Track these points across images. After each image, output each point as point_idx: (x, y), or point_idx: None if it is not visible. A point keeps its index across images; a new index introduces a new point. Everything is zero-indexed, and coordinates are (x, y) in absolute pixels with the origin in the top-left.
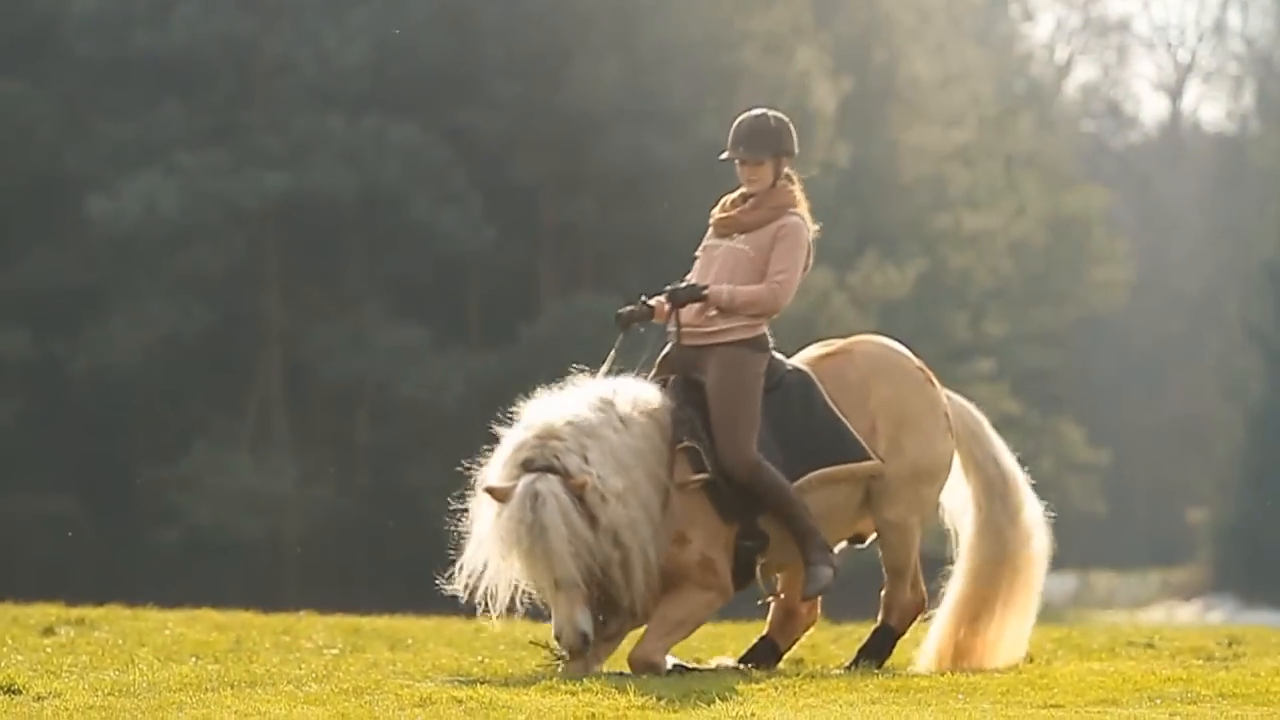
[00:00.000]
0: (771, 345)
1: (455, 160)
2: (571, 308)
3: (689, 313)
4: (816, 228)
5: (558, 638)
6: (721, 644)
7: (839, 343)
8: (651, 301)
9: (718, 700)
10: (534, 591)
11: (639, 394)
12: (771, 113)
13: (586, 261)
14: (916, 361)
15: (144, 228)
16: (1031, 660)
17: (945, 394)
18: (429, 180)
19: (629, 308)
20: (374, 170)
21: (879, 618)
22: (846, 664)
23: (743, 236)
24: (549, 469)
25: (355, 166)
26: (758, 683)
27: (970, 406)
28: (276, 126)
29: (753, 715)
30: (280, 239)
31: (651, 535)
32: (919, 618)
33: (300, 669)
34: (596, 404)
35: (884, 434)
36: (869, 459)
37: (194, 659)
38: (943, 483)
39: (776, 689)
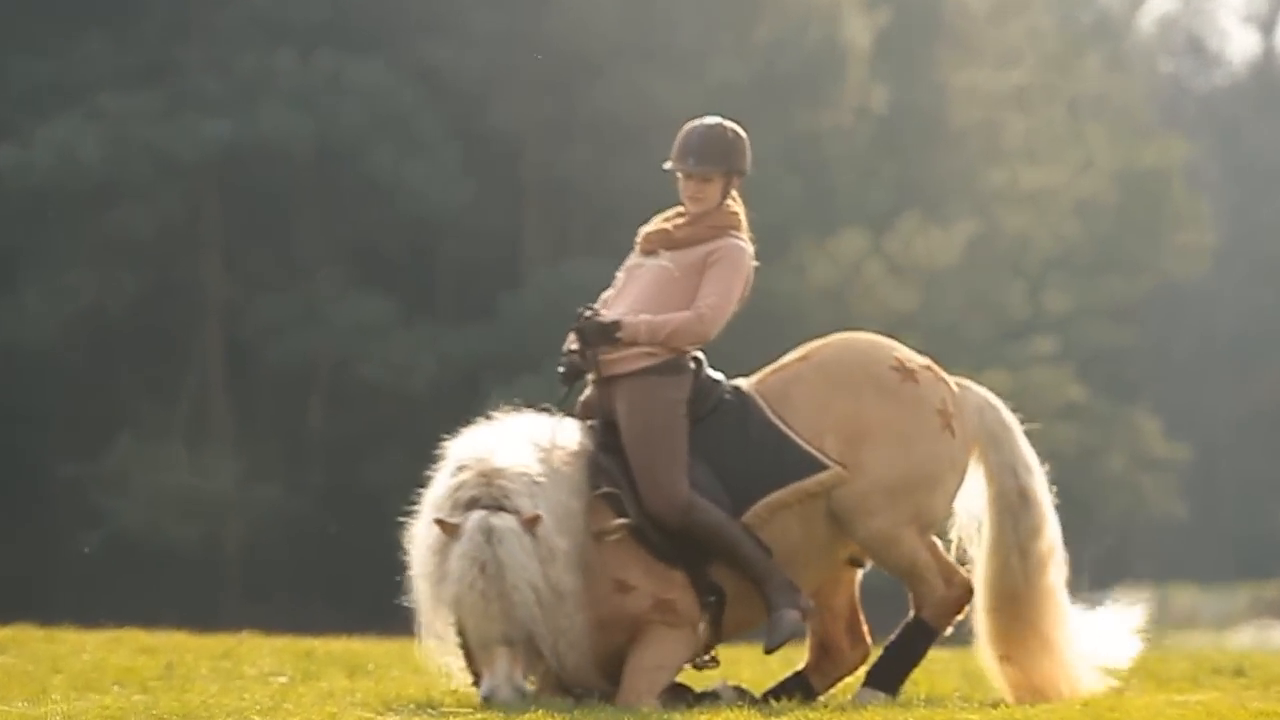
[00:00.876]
0: (696, 366)
1: (425, 104)
2: (560, 277)
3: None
4: (754, 261)
5: (486, 699)
6: (737, 670)
7: (802, 349)
8: (570, 346)
9: None
10: (470, 645)
11: (566, 438)
12: (728, 123)
13: (578, 223)
14: (895, 357)
15: (61, 182)
16: (1100, 690)
17: (961, 386)
18: (394, 128)
19: (566, 357)
20: (330, 116)
21: (910, 614)
22: (869, 667)
23: (670, 254)
24: (499, 508)
25: (309, 112)
26: (781, 715)
27: (995, 403)
28: (217, 65)
29: None
30: (221, 196)
31: (581, 601)
32: (962, 612)
33: (243, 699)
34: (533, 449)
35: (836, 449)
36: (818, 470)
37: (117, 688)
38: (946, 487)
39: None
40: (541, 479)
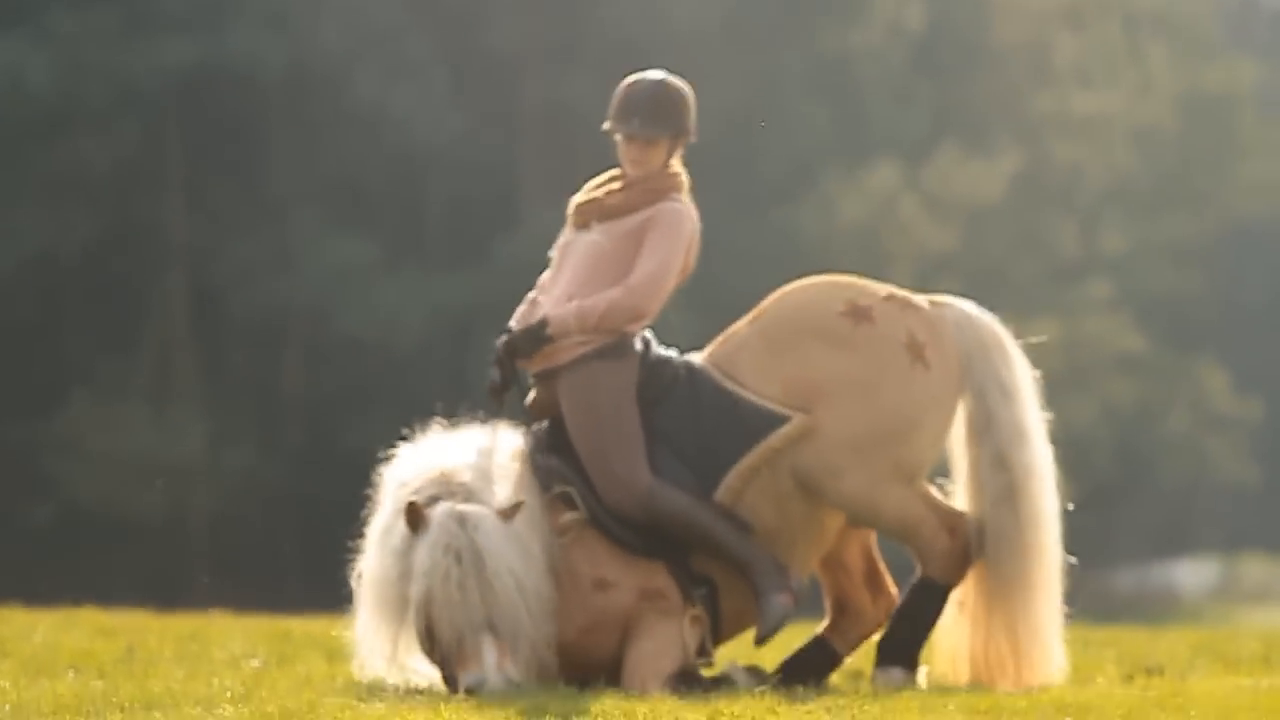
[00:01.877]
0: (644, 347)
1: (411, 24)
2: (561, 217)
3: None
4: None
5: (470, 691)
6: (749, 649)
7: (754, 310)
8: (497, 361)
9: None
10: (441, 647)
11: (505, 444)
12: (673, 79)
13: (582, 157)
14: (845, 300)
15: (6, 112)
16: (1161, 673)
17: (936, 305)
18: (377, 50)
19: (494, 374)
20: (305, 37)
21: (915, 573)
22: (880, 639)
23: (602, 226)
24: (468, 500)
25: (281, 31)
26: (803, 702)
27: (976, 317)
28: None
29: None
30: (184, 126)
31: (552, 609)
32: (971, 565)
33: (212, 686)
34: (479, 455)
35: (792, 406)
36: (781, 424)
37: (72, 673)
38: (928, 427)
39: (828, 711)
40: (496, 482)
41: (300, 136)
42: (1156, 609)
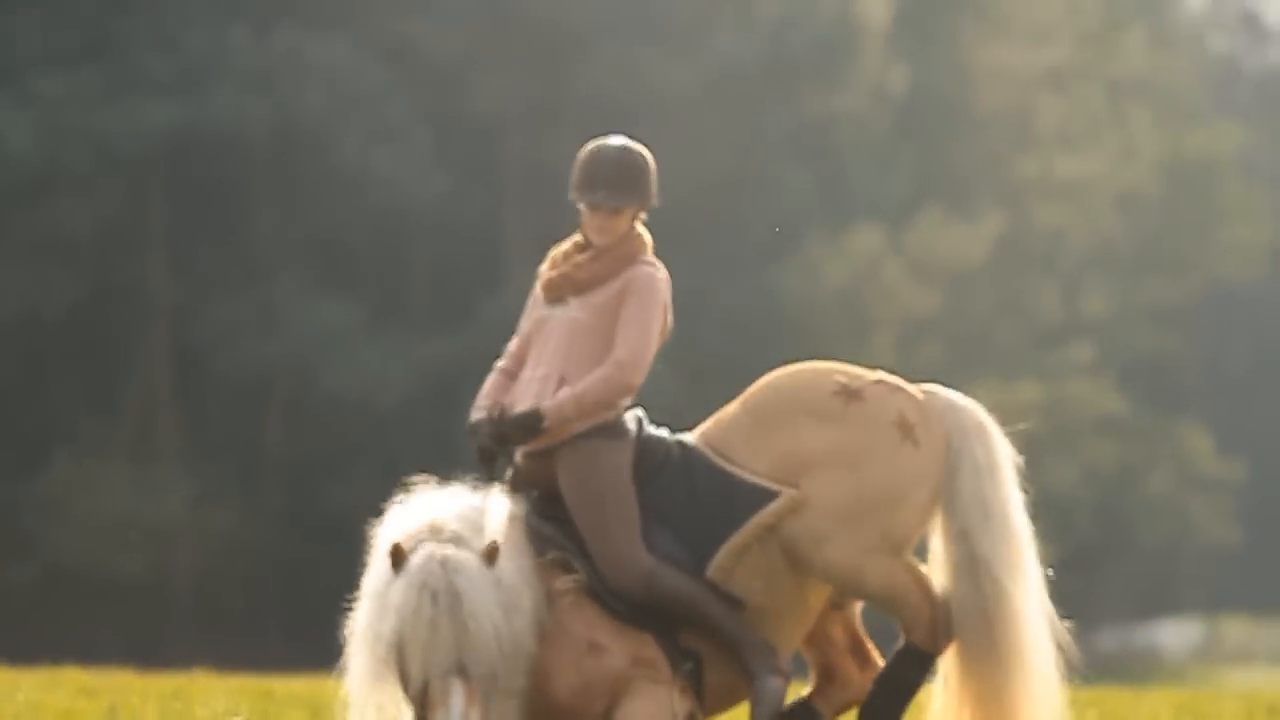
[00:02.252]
0: (637, 426)
1: (395, 86)
2: None
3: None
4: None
5: None
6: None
7: (744, 393)
8: (484, 441)
9: None
10: (412, 687)
11: (499, 506)
12: (634, 146)
13: (565, 216)
14: (836, 381)
15: None
16: None
17: (927, 392)
18: (361, 112)
19: (480, 444)
20: (290, 100)
21: (899, 641)
22: (862, 705)
23: (578, 300)
24: (454, 544)
25: (264, 94)
26: None
27: (964, 404)
28: (163, 43)
29: None
30: (167, 189)
31: (531, 667)
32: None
33: None
34: (471, 509)
35: (782, 482)
36: (770, 499)
37: None
38: (913, 501)
39: None
40: (486, 535)
41: (284, 198)
42: (1139, 669)
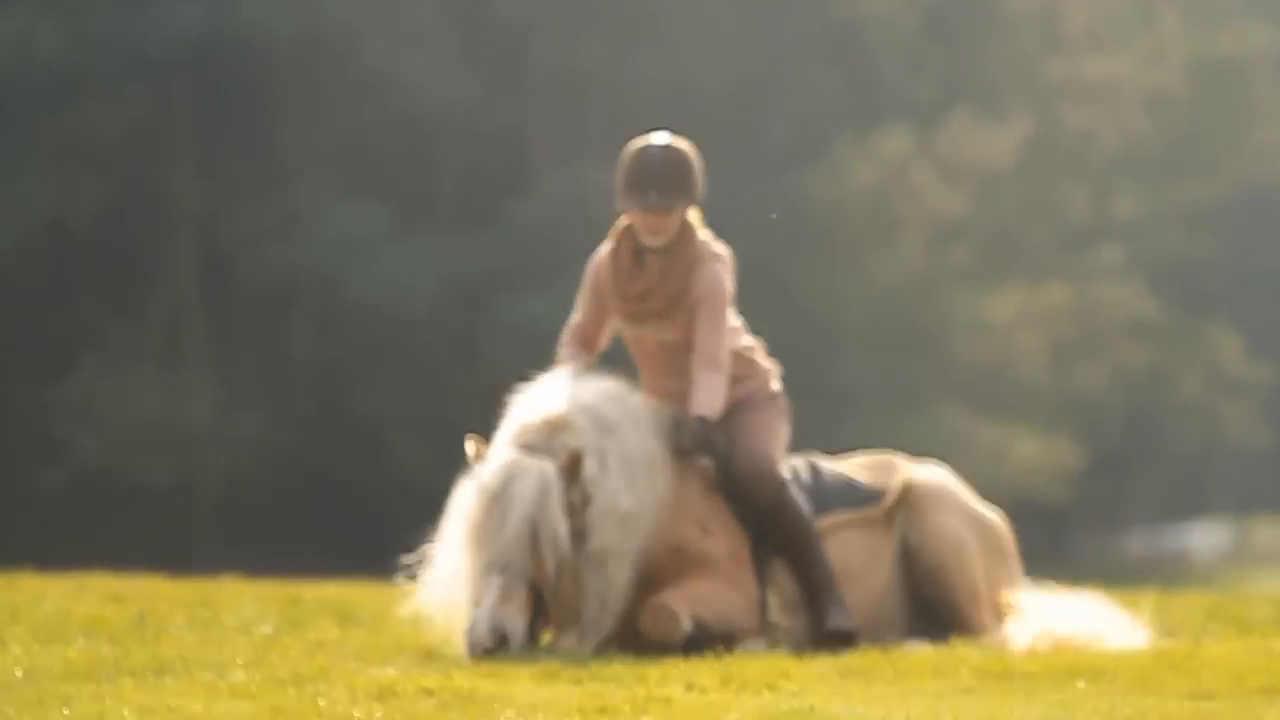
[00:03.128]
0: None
1: None
2: (573, 182)
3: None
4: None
5: (465, 634)
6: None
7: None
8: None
9: (766, 690)
10: (466, 584)
11: (643, 396)
12: (680, 143)
13: (593, 121)
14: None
15: (15, 79)
16: (1174, 636)
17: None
18: (386, 15)
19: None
20: (316, 3)
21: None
22: None
23: (661, 324)
24: (545, 454)
25: None
26: (817, 666)
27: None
28: None
29: (812, 709)
30: (194, 93)
31: (630, 562)
32: None
33: (223, 652)
34: (612, 394)
35: None
36: (885, 500)
37: (83, 639)
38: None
39: (841, 675)
40: (625, 429)
41: (309, 103)
42: (1169, 573)
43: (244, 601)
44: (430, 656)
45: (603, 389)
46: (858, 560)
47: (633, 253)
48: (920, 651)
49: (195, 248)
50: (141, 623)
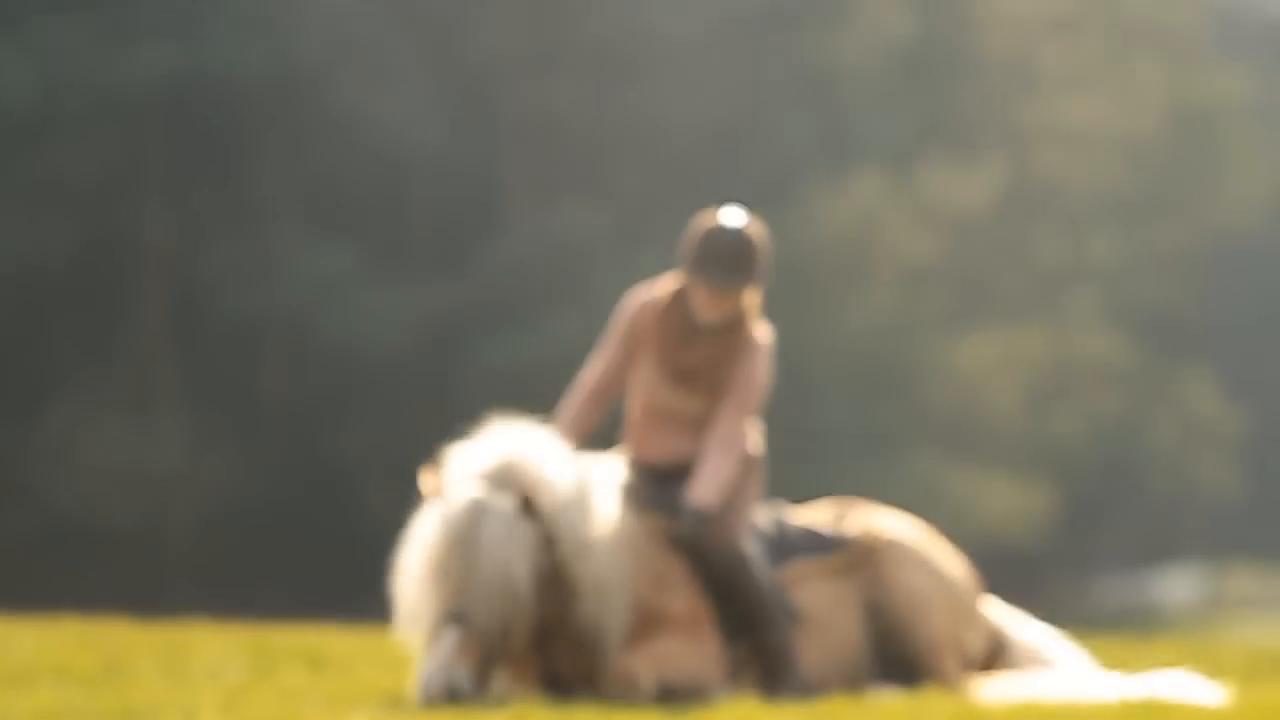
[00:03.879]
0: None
1: (392, 30)
2: (546, 224)
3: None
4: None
5: (420, 687)
6: None
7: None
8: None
9: None
10: (424, 626)
11: (605, 465)
12: (751, 228)
13: (564, 163)
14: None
15: None
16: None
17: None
18: (358, 56)
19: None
20: (286, 43)
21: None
22: None
23: (688, 395)
24: (505, 488)
25: (262, 37)
26: (791, 714)
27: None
28: None
29: None
30: (165, 134)
31: (626, 590)
32: None
33: (193, 697)
34: (563, 446)
35: None
36: (848, 548)
37: (52, 684)
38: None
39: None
40: (578, 471)
41: (281, 143)
42: (1143, 619)
43: (213, 646)
44: (399, 703)
45: (558, 440)
46: (824, 607)
47: (683, 320)
48: (891, 699)
49: (166, 289)
50: (111, 669)
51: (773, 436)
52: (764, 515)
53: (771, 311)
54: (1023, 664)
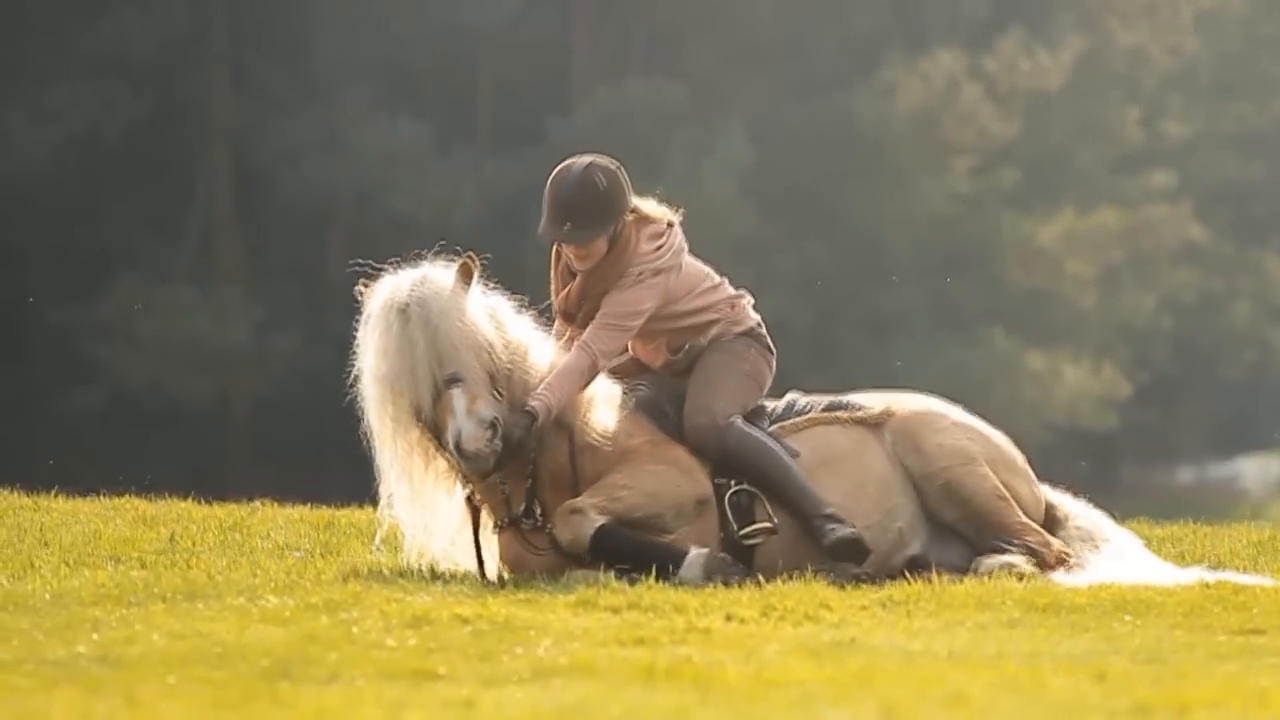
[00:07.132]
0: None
1: None
2: (618, 97)
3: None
4: (670, 231)
5: (457, 448)
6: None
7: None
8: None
9: (806, 621)
10: (411, 408)
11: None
12: (599, 165)
13: (637, 36)
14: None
15: None
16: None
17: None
18: None
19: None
20: None
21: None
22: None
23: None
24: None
25: None
26: (858, 597)
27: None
28: None
29: (853, 641)
30: (229, 5)
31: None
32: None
33: (255, 576)
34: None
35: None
36: (868, 409)
37: (114, 562)
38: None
39: (883, 606)
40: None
41: (348, 15)
42: (1218, 506)
43: (276, 525)
44: (466, 583)
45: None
46: (843, 446)
47: (568, 265)
48: (964, 583)
49: (230, 163)
50: (173, 546)
51: (847, 316)
52: (780, 402)
53: (847, 190)
54: (1075, 543)
